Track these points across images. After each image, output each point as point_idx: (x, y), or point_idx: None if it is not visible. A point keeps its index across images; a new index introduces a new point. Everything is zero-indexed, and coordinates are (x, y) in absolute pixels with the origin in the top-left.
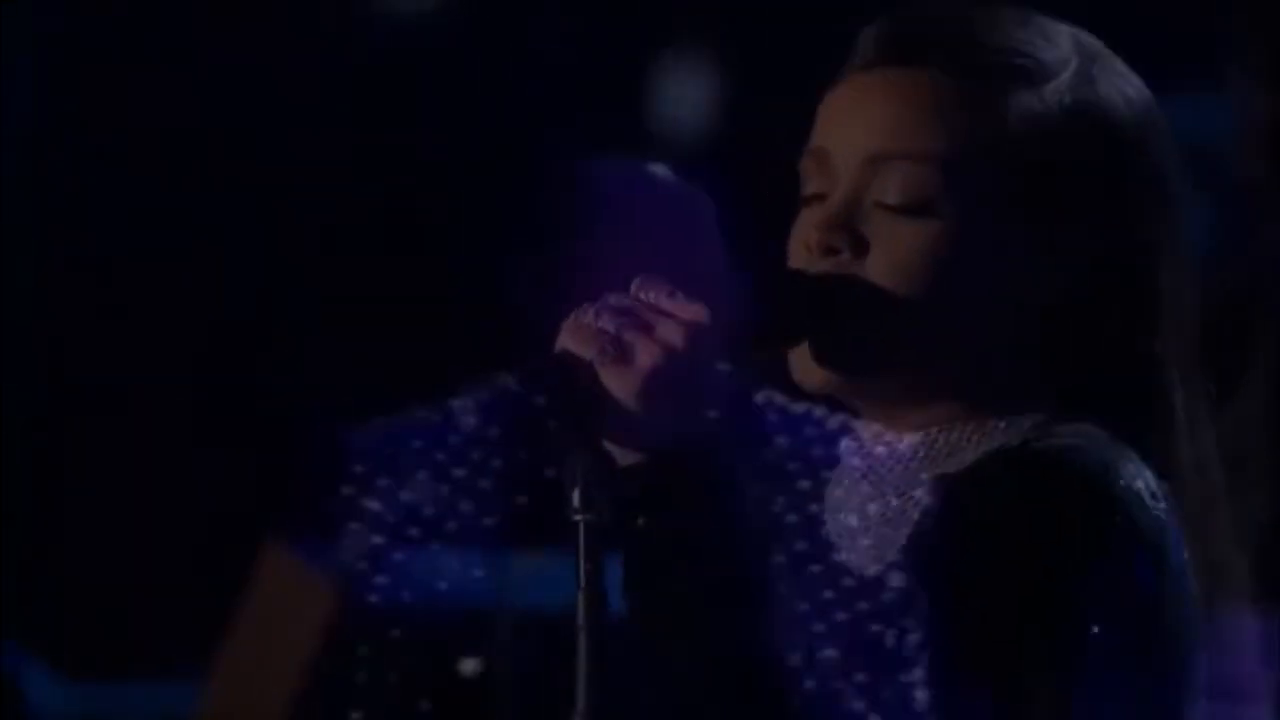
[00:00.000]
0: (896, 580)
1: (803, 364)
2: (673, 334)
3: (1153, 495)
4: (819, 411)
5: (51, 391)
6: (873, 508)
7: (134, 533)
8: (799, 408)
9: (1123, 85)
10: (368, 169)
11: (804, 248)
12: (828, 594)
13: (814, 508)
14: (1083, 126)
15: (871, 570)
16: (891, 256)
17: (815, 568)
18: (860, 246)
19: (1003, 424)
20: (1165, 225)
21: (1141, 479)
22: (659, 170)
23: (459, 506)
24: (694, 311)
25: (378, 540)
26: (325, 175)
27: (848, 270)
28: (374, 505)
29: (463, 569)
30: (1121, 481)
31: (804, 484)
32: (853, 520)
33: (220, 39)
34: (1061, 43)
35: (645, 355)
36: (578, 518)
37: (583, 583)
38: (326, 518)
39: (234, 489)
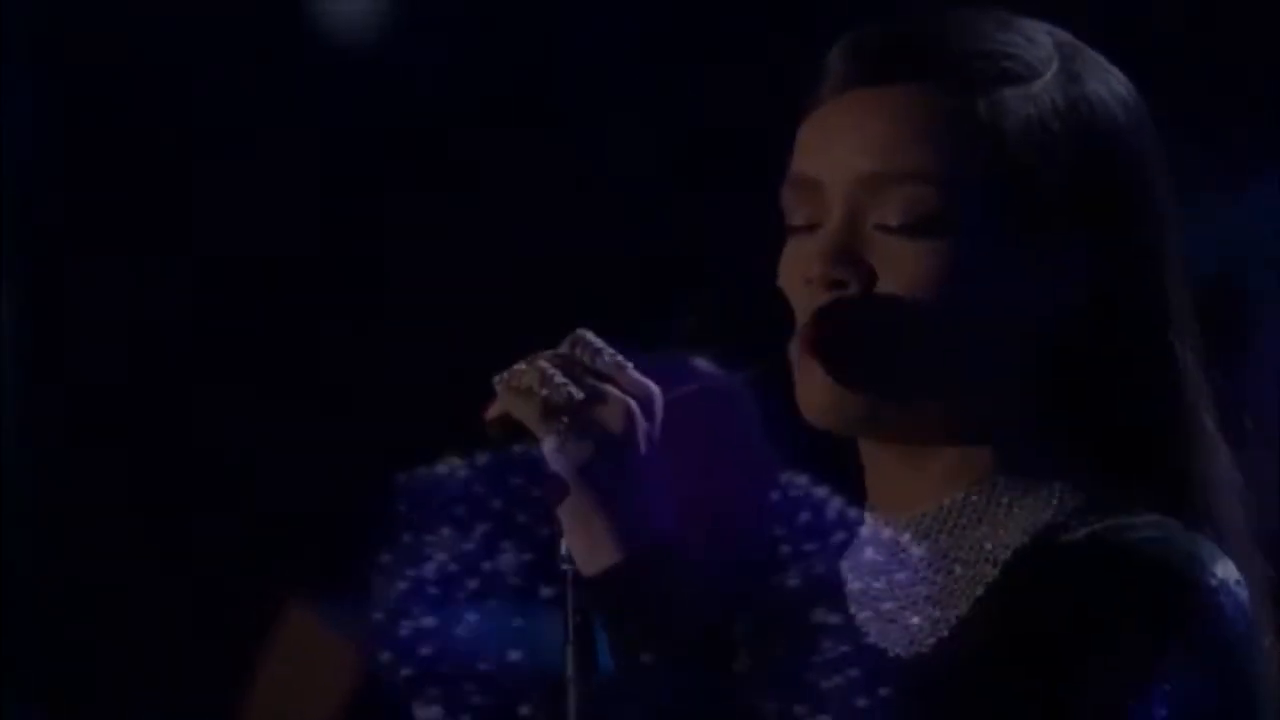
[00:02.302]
0: (944, 663)
1: (811, 398)
2: (621, 424)
3: (1236, 581)
4: (828, 478)
5: (56, 431)
6: (902, 580)
7: (146, 589)
8: (807, 478)
9: (1108, 80)
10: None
11: (803, 281)
12: (846, 673)
13: (825, 582)
14: (1076, 124)
15: (904, 650)
16: (901, 281)
17: (831, 646)
18: (867, 276)
19: (1036, 488)
20: (1163, 222)
21: (1223, 565)
22: (695, 364)
23: (472, 562)
24: (643, 392)
25: (399, 600)
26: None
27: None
28: (394, 563)
29: (485, 627)
30: (1208, 570)
31: (816, 561)
32: (879, 595)
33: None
34: (1041, 40)
35: (596, 442)
36: (565, 567)
37: (570, 635)
38: (348, 577)
39: (250, 547)
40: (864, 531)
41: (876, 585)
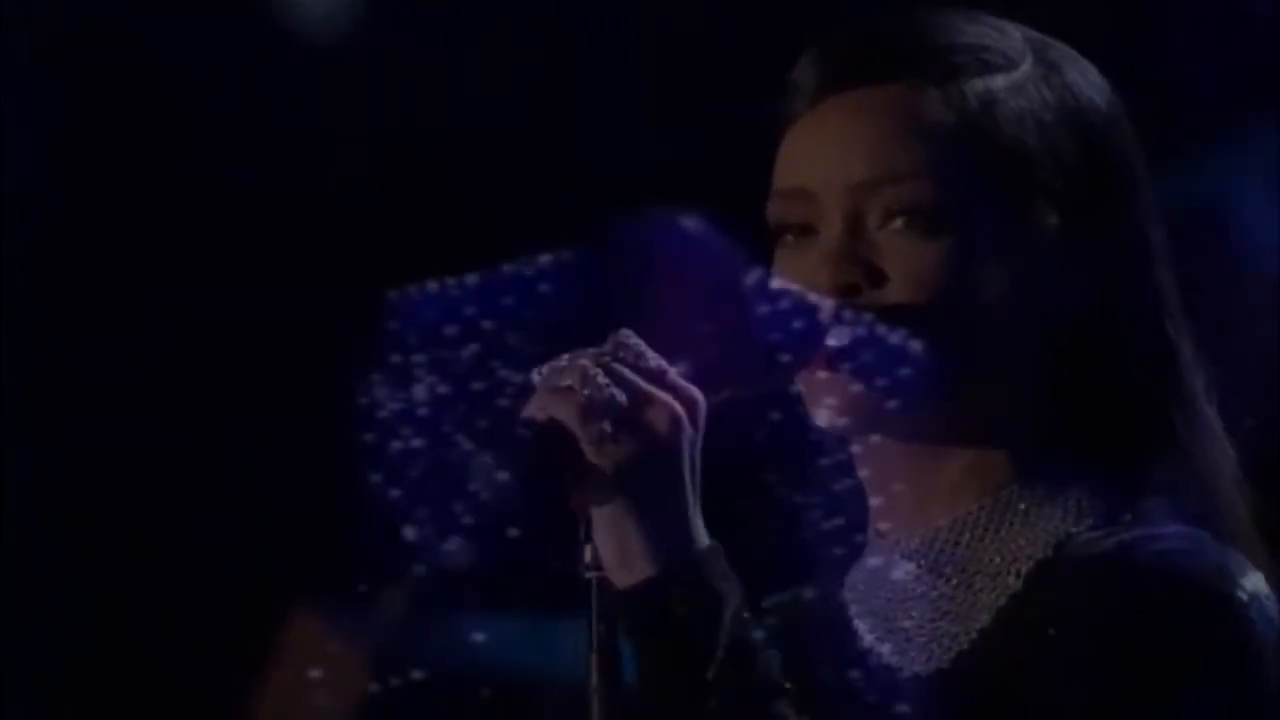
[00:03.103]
0: (966, 676)
1: (825, 402)
2: (665, 426)
3: (1267, 595)
4: (838, 481)
5: (56, 431)
6: (918, 595)
7: (146, 589)
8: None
9: (1083, 69)
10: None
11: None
12: (866, 694)
13: (843, 602)
14: (1066, 115)
15: (922, 668)
16: (909, 278)
17: (850, 667)
18: (877, 277)
19: (1054, 495)
20: (1151, 209)
21: (1253, 578)
22: (685, 222)
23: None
24: (688, 398)
25: (407, 605)
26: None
27: (868, 303)
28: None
29: (493, 635)
30: (1239, 584)
31: (835, 578)
32: (897, 613)
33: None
34: (1010, 32)
35: (638, 446)
36: (590, 575)
37: (595, 644)
38: (350, 578)
39: (251, 548)
40: (882, 547)
41: (895, 603)
